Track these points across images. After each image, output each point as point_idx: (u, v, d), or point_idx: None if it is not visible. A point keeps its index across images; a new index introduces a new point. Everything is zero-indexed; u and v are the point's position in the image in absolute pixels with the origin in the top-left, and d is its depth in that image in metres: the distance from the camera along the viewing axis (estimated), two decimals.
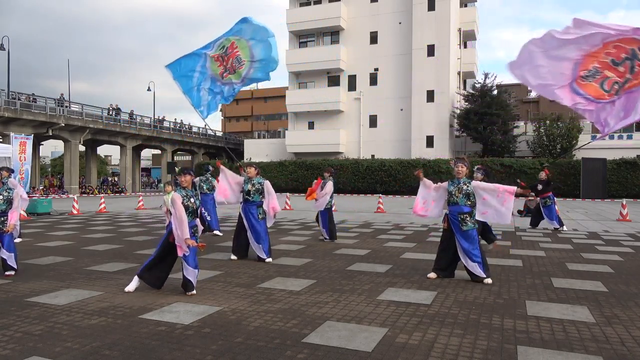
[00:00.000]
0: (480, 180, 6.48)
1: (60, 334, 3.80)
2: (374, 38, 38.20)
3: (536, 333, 3.86)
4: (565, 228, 11.73)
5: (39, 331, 3.87)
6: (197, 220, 5.32)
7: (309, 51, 39.78)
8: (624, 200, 15.83)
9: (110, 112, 36.55)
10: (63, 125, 31.43)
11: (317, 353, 3.39)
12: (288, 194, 22.53)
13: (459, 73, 39.47)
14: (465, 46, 40.93)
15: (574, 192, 27.92)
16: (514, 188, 5.74)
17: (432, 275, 5.96)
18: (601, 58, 6.06)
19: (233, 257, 7.31)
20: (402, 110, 37.05)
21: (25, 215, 14.60)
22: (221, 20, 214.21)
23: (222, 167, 7.75)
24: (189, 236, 4.97)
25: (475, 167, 6.92)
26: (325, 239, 9.44)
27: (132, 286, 5.23)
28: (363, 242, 9.39)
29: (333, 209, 10.08)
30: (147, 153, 59.71)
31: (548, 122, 33.07)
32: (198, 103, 9.31)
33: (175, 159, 50.55)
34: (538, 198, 12.05)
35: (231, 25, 9.04)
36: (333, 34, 39.70)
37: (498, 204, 5.69)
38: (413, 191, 27.40)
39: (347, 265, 6.77)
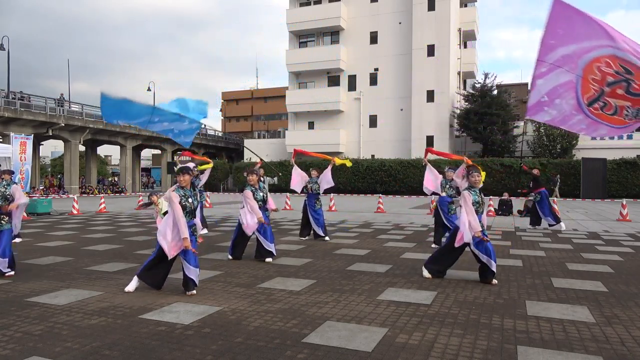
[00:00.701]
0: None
1: (60, 334, 3.80)
2: (374, 38, 38.21)
3: (536, 333, 3.86)
4: (562, 226, 11.71)
5: (39, 331, 3.87)
6: (196, 220, 5.30)
7: (309, 51, 39.79)
8: (624, 200, 15.83)
9: None
10: (63, 125, 31.43)
11: (317, 353, 3.39)
12: (288, 194, 22.52)
13: (459, 73, 39.48)
14: (465, 46, 40.94)
15: (574, 192, 27.94)
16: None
17: (429, 274, 5.95)
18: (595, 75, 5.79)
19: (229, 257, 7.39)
20: (402, 110, 37.05)
21: (25, 215, 14.60)
22: (221, 20, 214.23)
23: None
24: (187, 235, 4.95)
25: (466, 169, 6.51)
26: (324, 237, 9.44)
27: (131, 286, 5.22)
28: (363, 242, 9.39)
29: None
30: (147, 153, 59.70)
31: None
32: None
33: (175, 159, 50.52)
34: (530, 193, 12.11)
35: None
36: (333, 34, 39.71)
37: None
38: (413, 191, 27.48)
39: (347, 265, 6.77)
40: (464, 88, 40.26)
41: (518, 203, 17.13)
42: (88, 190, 35.71)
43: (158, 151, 47.41)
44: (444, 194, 8.50)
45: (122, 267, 6.67)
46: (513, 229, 11.82)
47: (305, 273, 6.25)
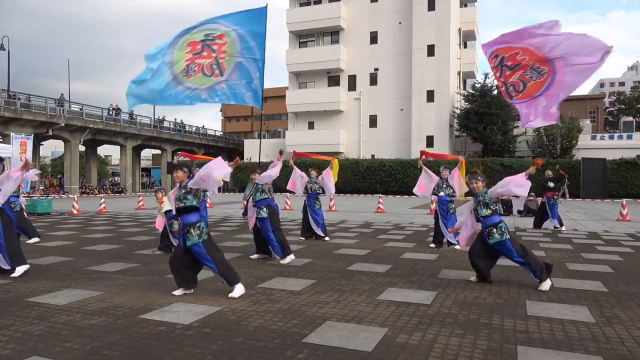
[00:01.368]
0: (482, 187, 5.97)
1: (60, 334, 3.80)
2: (374, 38, 38.22)
3: (536, 333, 3.86)
4: (564, 228, 11.74)
5: (39, 331, 3.87)
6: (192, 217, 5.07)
7: (309, 51, 39.80)
8: (624, 200, 15.83)
9: (111, 112, 36.55)
10: (63, 125, 31.44)
11: (317, 353, 3.39)
12: (288, 194, 22.52)
13: (459, 73, 39.49)
14: (465, 46, 40.96)
15: (574, 192, 27.94)
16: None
17: (474, 278, 5.81)
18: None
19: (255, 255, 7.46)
20: (402, 110, 37.06)
21: (26, 215, 14.59)
22: None
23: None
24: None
25: (468, 178, 6.45)
26: (325, 237, 9.45)
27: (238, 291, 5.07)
28: (363, 242, 9.39)
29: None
30: (147, 153, 59.73)
31: None
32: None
33: (175, 159, 50.57)
34: (539, 198, 12.05)
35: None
36: (333, 34, 39.72)
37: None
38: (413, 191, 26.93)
39: (347, 265, 6.77)
40: (464, 88, 40.27)
41: (518, 203, 17.13)
42: (88, 191, 35.72)
43: (158, 151, 47.43)
44: (442, 194, 8.50)
45: (122, 267, 6.67)
46: (513, 229, 11.82)
47: (305, 273, 6.25)
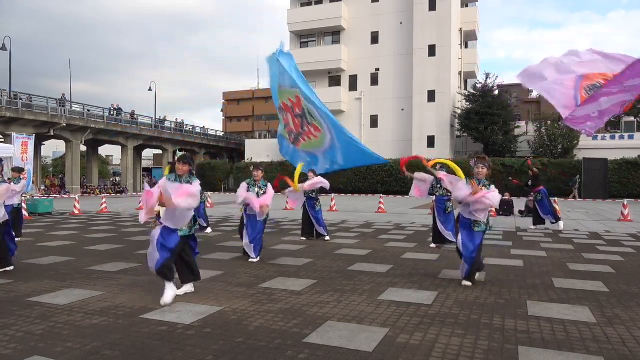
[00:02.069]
0: (485, 174, 5.80)
1: (62, 334, 3.80)
2: (375, 38, 38.23)
3: (537, 333, 3.86)
4: (561, 225, 11.71)
5: (40, 331, 3.88)
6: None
7: (310, 51, 39.79)
8: (625, 201, 15.81)
9: (112, 112, 36.60)
10: (64, 125, 31.48)
11: (318, 353, 3.39)
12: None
13: (460, 73, 39.47)
14: (466, 46, 40.94)
15: (569, 192, 27.90)
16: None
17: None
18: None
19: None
20: (403, 110, 37.06)
21: (27, 215, 14.63)
22: (222, 21, 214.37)
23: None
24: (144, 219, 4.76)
25: (474, 160, 6.08)
26: (326, 237, 9.45)
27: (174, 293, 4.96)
28: (364, 242, 9.39)
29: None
30: (148, 153, 59.59)
31: (549, 122, 33.06)
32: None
33: (176, 159, 50.59)
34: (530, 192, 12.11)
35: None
36: (334, 34, 39.74)
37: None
38: None
39: (348, 266, 6.77)
40: (465, 88, 40.24)
41: (519, 203, 17.11)
42: (89, 191, 35.76)
43: (159, 151, 47.44)
44: (437, 194, 8.57)
45: (123, 267, 6.68)
46: (514, 229, 11.81)
47: (306, 273, 6.25)
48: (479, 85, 35.98)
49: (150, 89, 44.12)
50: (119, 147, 40.14)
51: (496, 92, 35.42)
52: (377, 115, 38.09)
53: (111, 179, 48.23)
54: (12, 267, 6.39)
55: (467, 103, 35.95)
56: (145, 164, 57.07)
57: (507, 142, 33.96)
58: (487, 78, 35.29)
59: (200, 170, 38.39)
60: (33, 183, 17.36)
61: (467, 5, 40.94)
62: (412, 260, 7.26)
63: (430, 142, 35.65)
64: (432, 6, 35.68)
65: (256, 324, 4.06)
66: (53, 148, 78.02)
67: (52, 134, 32.00)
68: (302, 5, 40.64)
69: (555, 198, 16.40)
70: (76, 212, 16.41)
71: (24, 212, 14.51)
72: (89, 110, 34.71)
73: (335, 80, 39.61)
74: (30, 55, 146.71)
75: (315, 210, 9.54)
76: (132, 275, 6.05)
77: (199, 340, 3.68)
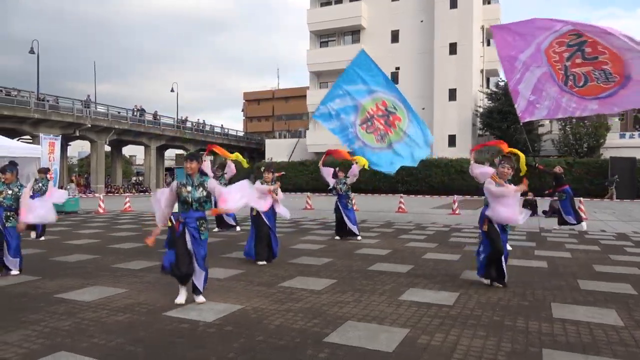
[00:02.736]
0: (510, 175, 5.58)
1: (87, 330, 3.89)
2: (395, 37, 37.98)
3: (562, 336, 3.78)
4: (584, 227, 11.42)
5: (67, 327, 3.98)
6: (197, 214, 4.73)
7: (329, 51, 39.77)
8: None
9: (135, 113, 37.25)
10: (89, 126, 32.17)
11: (337, 352, 3.39)
12: (309, 193, 22.58)
13: (482, 71, 38.89)
14: (488, 44, 40.26)
15: (602, 192, 27.21)
16: (518, 187, 5.28)
17: (487, 281, 5.53)
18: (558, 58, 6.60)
19: (262, 262, 6.91)
20: (423, 109, 36.67)
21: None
22: (242, 21, 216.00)
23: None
24: (158, 224, 4.73)
25: (499, 159, 5.97)
26: (357, 236, 9.56)
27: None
28: (384, 242, 9.34)
29: (355, 208, 10.45)
30: (170, 153, 60.52)
31: (574, 120, 32.32)
32: (326, 101, 10.20)
33: (203, 154, 51.20)
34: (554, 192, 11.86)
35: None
36: (354, 33, 39.64)
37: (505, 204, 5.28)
38: (434, 191, 27.17)
39: (368, 265, 6.75)
40: (487, 86, 39.64)
41: (543, 203, 16.77)
42: (113, 190, 36.47)
43: (181, 151, 48.10)
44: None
45: (147, 264, 6.79)
46: (538, 230, 11.59)
47: (326, 273, 6.25)
48: (501, 83, 35.38)
49: (172, 90, 44.78)
50: (142, 147, 40.82)
51: None
52: None
53: (135, 179, 49.05)
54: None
55: (489, 101, 35.39)
56: (167, 163, 57.93)
57: (531, 141, 33.32)
58: None
59: (222, 170, 38.76)
60: (66, 188, 17.70)
61: (489, 2, 40.31)
62: (433, 261, 7.20)
63: (452, 141, 35.24)
64: (454, 4, 35.26)
65: (276, 323, 4.08)
66: (78, 148, 79.76)
67: (78, 134, 32.75)
68: (322, 5, 40.65)
69: (581, 198, 16.04)
70: (101, 211, 16.76)
71: None
72: (118, 112, 35.52)
73: None
74: (56, 57, 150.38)
75: (347, 209, 9.62)
76: (155, 273, 6.14)
77: (220, 338, 3.72)
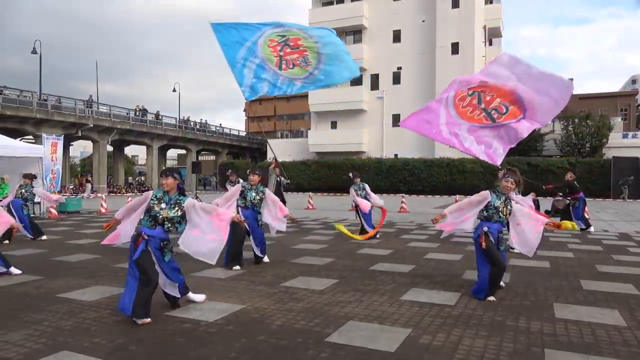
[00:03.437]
0: (512, 190, 5.26)
1: (89, 330, 3.90)
2: (397, 36, 37.94)
3: (564, 336, 3.77)
4: (592, 229, 11.42)
5: (69, 326, 3.98)
6: (163, 236, 4.34)
7: None
8: None
9: (137, 113, 37.30)
10: (92, 126, 32.22)
11: (339, 352, 3.39)
12: (311, 193, 22.58)
13: None
14: (490, 43, 40.22)
15: (604, 192, 27.13)
16: (545, 219, 5.13)
17: (492, 297, 4.94)
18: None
19: (237, 267, 6.54)
20: None
21: (57, 213, 15.04)
22: (244, 20, 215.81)
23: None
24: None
25: (503, 172, 5.39)
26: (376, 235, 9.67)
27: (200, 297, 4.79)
28: (386, 241, 9.34)
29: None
30: (172, 153, 60.62)
31: (577, 120, 32.26)
32: (241, 80, 8.50)
33: (199, 159, 51.29)
34: (568, 199, 11.78)
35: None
36: (356, 33, 39.60)
37: (529, 231, 5.00)
38: (437, 191, 27.12)
39: (370, 265, 6.75)
40: None
41: (546, 203, 16.75)
42: (116, 190, 36.52)
43: (183, 151, 48.18)
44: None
45: None
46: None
47: (327, 272, 6.25)
48: None
49: (174, 90, 44.81)
50: (144, 147, 40.87)
51: None
52: (399, 114, 37.71)
53: (137, 179, 49.12)
54: None
55: None
56: (169, 163, 58.04)
57: (533, 141, 33.25)
58: None
59: (222, 170, 38.79)
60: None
61: (491, 2, 40.24)
62: (434, 261, 7.19)
63: None
64: (455, 3, 35.21)
65: (278, 323, 4.08)
66: (81, 148, 79.89)
67: (80, 134, 32.80)
68: (324, 4, 40.65)
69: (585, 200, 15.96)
70: (103, 210, 16.78)
71: (54, 211, 14.94)
72: (126, 114, 35.61)
73: (356, 80, 39.43)
74: (58, 57, 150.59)
75: (365, 212, 9.74)
76: None
77: (221, 337, 3.72)
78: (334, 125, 40.41)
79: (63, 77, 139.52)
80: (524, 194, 8.12)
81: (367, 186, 10.07)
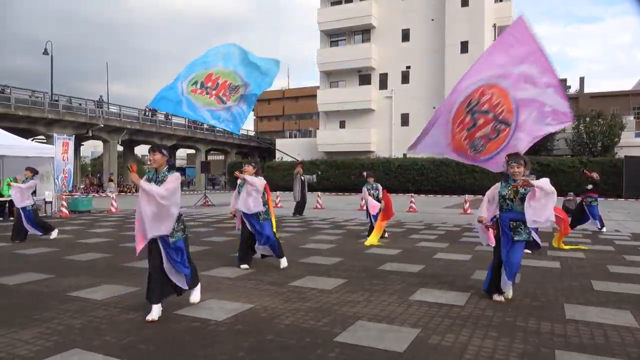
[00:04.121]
0: (522, 173, 4.98)
1: (99, 328, 3.93)
2: (405, 35, 37.82)
3: (575, 337, 3.73)
4: (605, 230, 11.31)
5: (79, 325, 4.02)
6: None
7: (340, 50, 39.75)
8: None
9: (147, 113, 37.55)
10: (102, 126, 32.51)
11: (347, 352, 3.39)
12: (319, 192, 22.57)
13: None
14: None
15: (615, 191, 26.81)
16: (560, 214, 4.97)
17: (500, 297, 4.85)
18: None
19: (245, 266, 6.59)
20: (434, 108, 36.42)
21: (67, 212, 15.19)
22: (252, 21, 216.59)
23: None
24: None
25: (506, 159, 5.16)
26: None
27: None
28: (394, 241, 9.31)
29: (364, 207, 10.59)
30: (182, 153, 61.04)
31: (588, 119, 31.92)
32: (165, 92, 7.40)
33: (208, 159, 51.53)
34: (578, 198, 11.67)
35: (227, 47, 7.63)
36: (364, 32, 39.55)
37: (547, 203, 4.75)
38: (446, 190, 26.97)
39: (378, 265, 6.73)
40: None
41: (557, 204, 16.60)
42: (126, 189, 36.79)
43: (192, 151, 48.44)
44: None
45: None
46: (551, 230, 11.45)
47: (336, 272, 6.24)
48: None
49: None
50: None
51: None
52: (407, 114, 37.66)
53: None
54: None
55: None
56: (179, 163, 58.40)
57: (543, 140, 32.93)
58: None
59: (231, 169, 38.93)
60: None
61: (500, 0, 39.98)
62: (443, 261, 7.15)
63: None
64: (465, 2, 35.01)
65: (286, 322, 4.09)
66: (91, 148, 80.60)
67: (91, 134, 33.11)
68: (332, 4, 40.61)
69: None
70: (113, 210, 16.92)
71: (64, 210, 15.08)
72: (139, 114, 35.86)
73: (365, 79, 39.41)
74: (69, 58, 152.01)
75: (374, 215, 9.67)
76: None
77: (230, 336, 3.73)
78: (342, 124, 40.38)
79: (73, 77, 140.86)
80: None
81: (380, 186, 10.05)
